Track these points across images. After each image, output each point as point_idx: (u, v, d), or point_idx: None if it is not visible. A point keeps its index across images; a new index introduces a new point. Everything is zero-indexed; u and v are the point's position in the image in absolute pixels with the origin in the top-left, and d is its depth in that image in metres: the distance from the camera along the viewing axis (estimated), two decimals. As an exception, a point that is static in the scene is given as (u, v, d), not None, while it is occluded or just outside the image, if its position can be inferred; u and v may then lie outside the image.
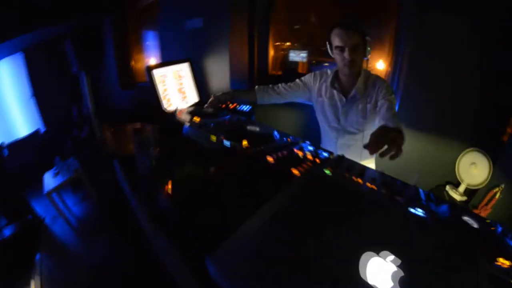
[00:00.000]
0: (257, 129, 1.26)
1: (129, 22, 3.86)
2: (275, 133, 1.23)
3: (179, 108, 1.61)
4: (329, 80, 1.40)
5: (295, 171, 0.87)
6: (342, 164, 0.93)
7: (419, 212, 0.68)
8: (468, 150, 1.85)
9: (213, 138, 1.10)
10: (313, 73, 1.49)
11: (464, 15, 1.65)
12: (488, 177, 1.70)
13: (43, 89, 4.19)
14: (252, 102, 1.64)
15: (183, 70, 2.08)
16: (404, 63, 1.95)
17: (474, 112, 1.81)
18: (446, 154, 1.96)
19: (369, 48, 1.27)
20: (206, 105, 1.51)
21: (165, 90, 1.88)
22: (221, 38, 2.35)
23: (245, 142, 1.04)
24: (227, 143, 1.06)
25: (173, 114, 1.49)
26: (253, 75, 2.66)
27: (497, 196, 1.60)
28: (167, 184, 0.96)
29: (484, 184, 1.72)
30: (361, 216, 0.63)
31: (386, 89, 1.28)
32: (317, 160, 0.97)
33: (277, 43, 2.75)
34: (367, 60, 1.33)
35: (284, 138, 1.18)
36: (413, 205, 0.71)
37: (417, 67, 1.87)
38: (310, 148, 1.09)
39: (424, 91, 1.87)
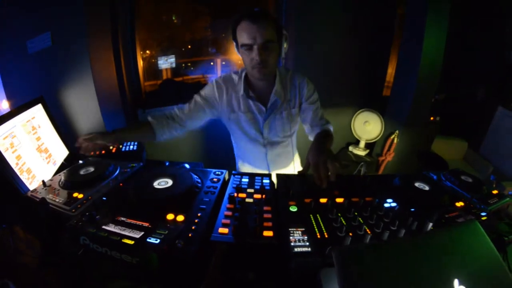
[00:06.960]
0: (92, 169, 0.86)
1: None
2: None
3: (47, 179, 0.86)
4: (240, 88, 1.11)
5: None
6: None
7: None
8: (358, 112, 2.32)
9: None
10: (214, 83, 1.15)
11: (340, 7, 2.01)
12: (382, 129, 2.21)
13: None
14: (146, 141, 1.17)
15: (37, 117, 1.19)
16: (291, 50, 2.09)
17: (357, 81, 2.29)
18: (341, 120, 2.39)
19: (285, 45, 1.02)
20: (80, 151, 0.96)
21: (18, 157, 1.00)
22: (79, 54, 1.58)
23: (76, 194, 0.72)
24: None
25: (41, 200, 0.72)
26: (126, 96, 2.02)
27: (395, 140, 2.11)
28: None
29: (380, 136, 2.23)
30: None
31: (308, 88, 1.13)
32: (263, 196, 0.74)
33: (147, 52, 2.26)
34: (283, 58, 1.10)
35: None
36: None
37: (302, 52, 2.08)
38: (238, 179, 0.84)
39: (314, 69, 2.09)
